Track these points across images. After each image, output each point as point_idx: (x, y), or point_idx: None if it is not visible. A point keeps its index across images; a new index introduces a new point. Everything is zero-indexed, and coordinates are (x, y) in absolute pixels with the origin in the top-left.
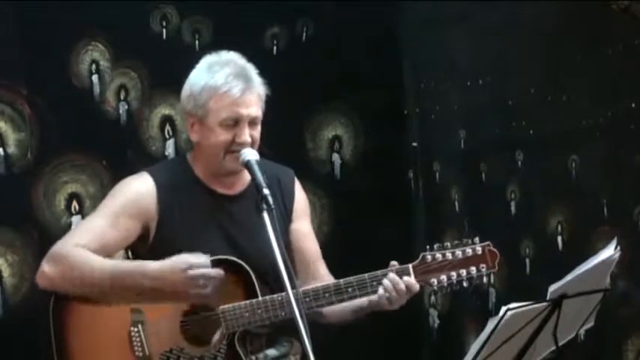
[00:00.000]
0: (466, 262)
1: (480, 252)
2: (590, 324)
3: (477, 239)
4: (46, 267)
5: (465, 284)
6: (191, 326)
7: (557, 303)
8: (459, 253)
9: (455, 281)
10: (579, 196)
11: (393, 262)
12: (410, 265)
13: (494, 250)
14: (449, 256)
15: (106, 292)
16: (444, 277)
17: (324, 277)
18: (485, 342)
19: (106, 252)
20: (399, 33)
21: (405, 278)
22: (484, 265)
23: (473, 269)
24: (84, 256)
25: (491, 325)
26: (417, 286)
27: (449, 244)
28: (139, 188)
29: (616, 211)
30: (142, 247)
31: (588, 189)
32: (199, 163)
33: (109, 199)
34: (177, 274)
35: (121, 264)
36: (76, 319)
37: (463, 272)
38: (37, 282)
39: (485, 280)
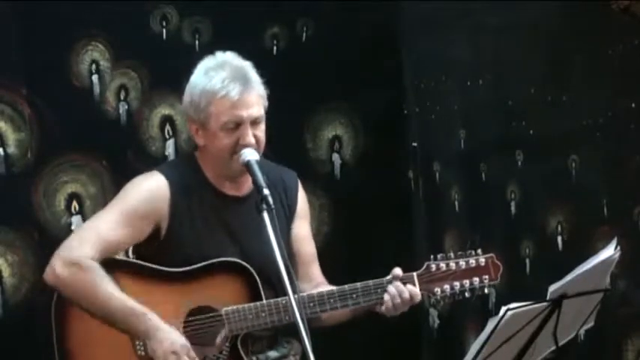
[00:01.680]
0: (470, 272)
1: (483, 263)
2: (590, 324)
3: (479, 251)
4: (58, 268)
5: (467, 294)
6: (194, 327)
7: (557, 303)
8: (462, 263)
9: (458, 291)
10: (579, 196)
11: (397, 270)
12: (414, 274)
13: (498, 262)
14: (453, 266)
15: (102, 316)
16: (447, 287)
17: (317, 278)
18: (485, 342)
19: (116, 251)
20: (399, 33)
21: (409, 287)
22: (487, 277)
23: (476, 280)
24: (99, 274)
25: (491, 325)
26: (419, 296)
27: (452, 254)
28: (153, 188)
29: (616, 211)
30: (150, 247)
31: (588, 189)
32: (207, 165)
33: (121, 197)
34: (166, 348)
35: (132, 302)
36: (78, 316)
37: (466, 283)
38: (46, 278)
39: (487, 291)
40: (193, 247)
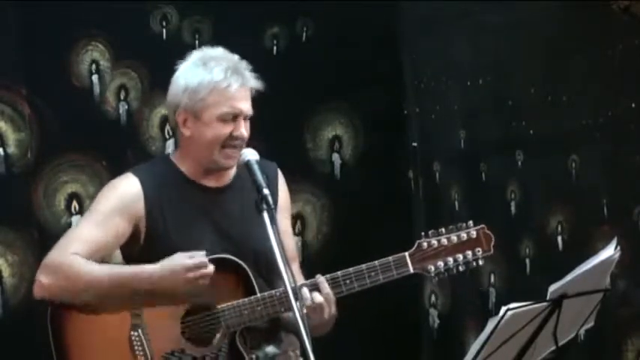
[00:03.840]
0: (462, 246)
1: (474, 235)
2: (590, 324)
3: (470, 223)
4: (42, 278)
5: (461, 268)
6: (191, 326)
7: (557, 303)
8: (454, 238)
9: (452, 266)
10: (579, 196)
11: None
12: (406, 254)
13: (489, 232)
14: (444, 241)
15: (102, 297)
16: (440, 263)
17: (294, 275)
18: (485, 342)
19: (100, 257)
20: (399, 33)
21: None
22: (480, 249)
23: (469, 253)
24: (80, 262)
25: (491, 325)
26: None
27: (443, 229)
28: (126, 189)
29: (616, 211)
30: (134, 248)
31: (588, 189)
32: (187, 160)
33: (97, 202)
34: (178, 275)
35: (118, 268)
36: (75, 324)
37: (459, 257)
38: (34, 293)
39: (481, 262)
40: (177, 241)
